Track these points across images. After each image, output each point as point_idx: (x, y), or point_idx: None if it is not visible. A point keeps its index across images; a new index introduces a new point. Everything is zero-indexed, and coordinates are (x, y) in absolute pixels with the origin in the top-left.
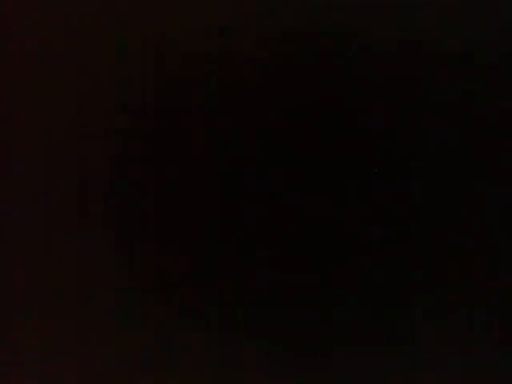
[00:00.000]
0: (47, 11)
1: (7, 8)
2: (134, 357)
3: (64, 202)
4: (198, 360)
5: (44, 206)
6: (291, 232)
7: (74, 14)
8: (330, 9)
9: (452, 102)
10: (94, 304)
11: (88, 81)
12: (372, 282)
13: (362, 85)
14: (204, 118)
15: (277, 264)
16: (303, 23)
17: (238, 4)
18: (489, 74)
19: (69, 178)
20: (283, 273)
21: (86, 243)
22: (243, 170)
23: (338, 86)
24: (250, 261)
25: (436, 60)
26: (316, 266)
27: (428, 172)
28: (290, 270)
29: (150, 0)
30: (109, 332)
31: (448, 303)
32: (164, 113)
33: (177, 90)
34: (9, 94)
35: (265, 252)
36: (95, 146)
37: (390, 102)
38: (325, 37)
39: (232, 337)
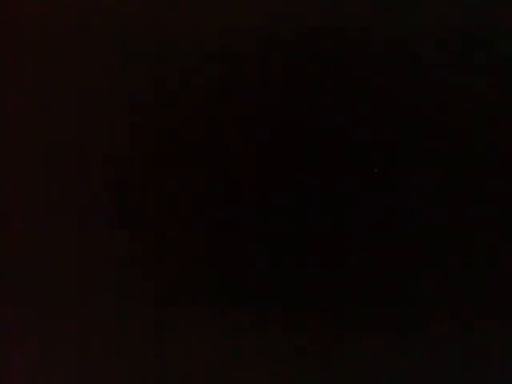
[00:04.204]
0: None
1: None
2: (134, 357)
3: (63, 201)
4: (197, 360)
5: (44, 206)
6: (291, 232)
7: (73, 13)
8: (330, 9)
9: (452, 102)
10: (94, 304)
11: (88, 81)
12: (371, 281)
13: (362, 85)
14: (204, 118)
15: (277, 264)
16: (304, 23)
17: (238, 4)
18: (489, 75)
19: (69, 177)
20: (283, 272)
21: (85, 243)
22: (243, 170)
23: (338, 86)
24: (250, 261)
25: (435, 63)
26: (316, 266)
27: (428, 171)
28: (290, 270)
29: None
30: (109, 332)
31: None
32: (164, 113)
33: (176, 90)
34: (8, 93)
35: (265, 252)
36: (95, 147)
37: (390, 102)
38: (325, 37)
39: (232, 337)
